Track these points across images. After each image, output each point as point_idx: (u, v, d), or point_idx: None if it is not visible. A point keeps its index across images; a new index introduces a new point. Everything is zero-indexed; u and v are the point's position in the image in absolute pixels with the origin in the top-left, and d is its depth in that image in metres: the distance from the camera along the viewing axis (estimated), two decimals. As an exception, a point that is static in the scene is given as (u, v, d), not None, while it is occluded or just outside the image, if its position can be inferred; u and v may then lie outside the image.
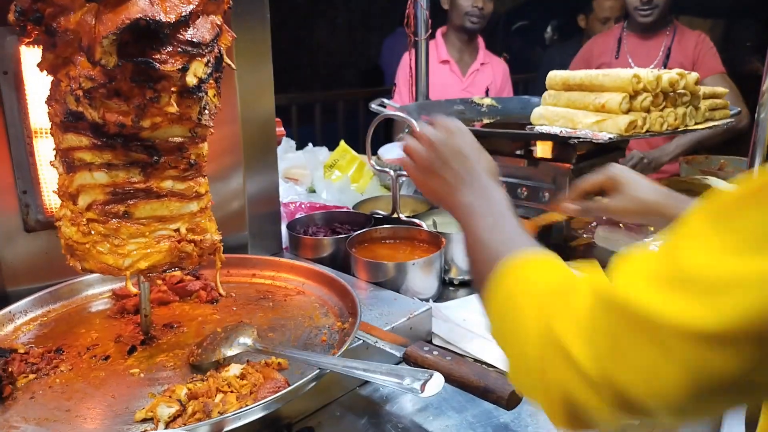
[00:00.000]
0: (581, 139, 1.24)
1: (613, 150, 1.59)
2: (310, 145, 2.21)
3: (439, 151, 0.83)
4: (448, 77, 2.92)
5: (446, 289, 1.33)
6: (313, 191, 1.95)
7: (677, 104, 1.34)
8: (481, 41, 2.97)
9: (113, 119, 0.76)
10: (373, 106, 1.79)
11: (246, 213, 1.31)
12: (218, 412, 0.71)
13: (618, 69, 1.31)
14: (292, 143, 2.32)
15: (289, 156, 2.15)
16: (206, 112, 0.83)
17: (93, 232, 0.81)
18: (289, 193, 1.75)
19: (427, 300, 1.19)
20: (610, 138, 1.22)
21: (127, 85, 0.75)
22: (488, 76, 2.93)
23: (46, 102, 0.83)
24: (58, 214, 0.85)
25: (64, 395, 0.80)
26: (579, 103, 1.36)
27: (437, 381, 0.69)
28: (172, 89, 0.77)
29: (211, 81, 0.82)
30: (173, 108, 0.77)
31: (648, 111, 1.28)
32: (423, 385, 0.69)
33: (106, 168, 0.79)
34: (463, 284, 1.34)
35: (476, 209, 0.75)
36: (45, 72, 0.81)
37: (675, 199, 1.03)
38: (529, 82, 4.71)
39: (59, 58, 0.79)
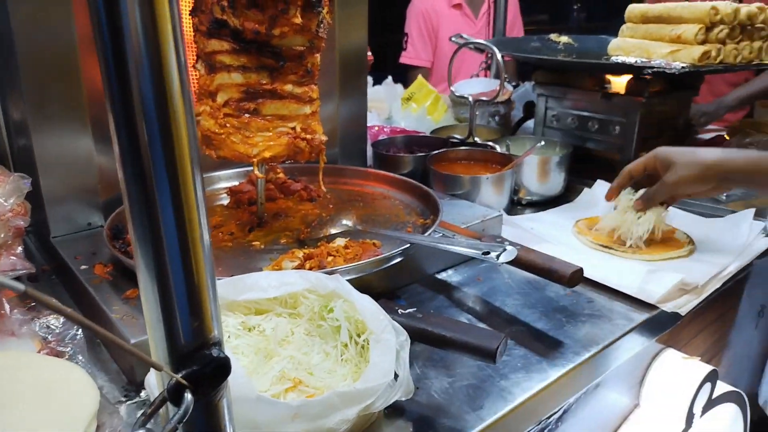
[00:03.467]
0: (654, 69, 1.31)
1: (686, 88, 1.63)
2: (390, 78, 2.32)
3: None
4: (461, 21, 2.87)
5: (515, 207, 1.45)
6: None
7: (754, 38, 1.38)
8: None
9: (251, 27, 0.91)
10: (453, 38, 1.89)
11: (338, 132, 1.46)
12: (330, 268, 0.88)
13: (697, 1, 1.35)
14: (369, 78, 2.44)
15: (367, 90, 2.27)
16: (322, 25, 0.98)
17: (228, 125, 0.98)
18: (371, 120, 1.89)
19: (498, 211, 1.32)
20: (683, 67, 1.28)
21: (262, -2, 0.90)
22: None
23: (190, 13, 1.00)
24: (198, 110, 1.02)
25: (203, 256, 0.99)
26: (656, 34, 1.42)
27: (510, 251, 0.83)
28: (298, 3, 0.91)
29: (326, -1, 0.97)
30: (298, 19, 0.92)
31: (724, 43, 1.33)
32: (498, 256, 0.84)
33: (242, 70, 0.95)
34: (531, 204, 1.46)
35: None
36: (191, -12, 0.98)
37: (736, 152, 1.02)
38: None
39: (205, -24, 0.95)
